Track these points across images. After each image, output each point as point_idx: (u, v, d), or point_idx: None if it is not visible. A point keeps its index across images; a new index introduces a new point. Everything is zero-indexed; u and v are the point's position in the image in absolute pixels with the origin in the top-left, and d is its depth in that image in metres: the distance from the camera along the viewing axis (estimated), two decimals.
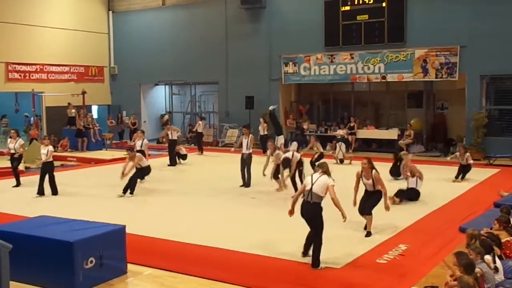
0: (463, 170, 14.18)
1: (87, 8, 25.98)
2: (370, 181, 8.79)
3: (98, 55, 26.42)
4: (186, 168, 17.30)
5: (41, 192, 12.50)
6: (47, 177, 12.51)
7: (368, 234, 8.81)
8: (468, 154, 14.22)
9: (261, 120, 20.01)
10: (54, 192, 12.59)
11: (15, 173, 13.68)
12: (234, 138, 23.26)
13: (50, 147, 12.61)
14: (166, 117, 24.52)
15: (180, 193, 12.92)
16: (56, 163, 15.96)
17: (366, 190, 8.99)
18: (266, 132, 19.61)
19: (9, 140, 13.55)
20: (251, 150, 13.42)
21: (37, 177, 12.71)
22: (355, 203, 8.88)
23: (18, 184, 13.67)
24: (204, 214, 10.57)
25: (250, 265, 7.46)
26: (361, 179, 8.94)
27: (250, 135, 13.57)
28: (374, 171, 8.77)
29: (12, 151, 13.49)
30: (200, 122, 21.09)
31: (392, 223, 9.41)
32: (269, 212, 10.57)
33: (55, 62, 24.38)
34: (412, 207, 10.69)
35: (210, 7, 24.11)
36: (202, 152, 20.55)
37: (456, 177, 14.10)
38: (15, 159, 13.59)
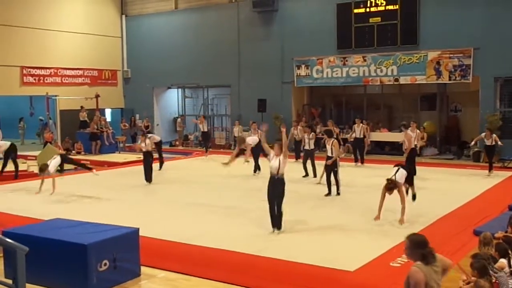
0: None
1: (100, 12, 26.20)
2: None
3: (112, 58, 26.62)
4: (195, 170, 17.35)
5: (149, 179, 14.36)
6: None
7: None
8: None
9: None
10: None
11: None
12: None
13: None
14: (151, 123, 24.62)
15: (193, 195, 12.93)
16: (69, 166, 16.12)
17: None
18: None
19: None
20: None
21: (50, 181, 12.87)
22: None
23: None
24: (218, 217, 10.55)
25: (264, 268, 7.44)
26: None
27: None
28: None
29: None
30: (204, 121, 21.02)
31: (405, 226, 9.37)
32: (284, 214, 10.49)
33: (69, 66, 24.58)
34: (425, 210, 10.61)
35: (222, 10, 24.20)
36: (207, 151, 20.56)
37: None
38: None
